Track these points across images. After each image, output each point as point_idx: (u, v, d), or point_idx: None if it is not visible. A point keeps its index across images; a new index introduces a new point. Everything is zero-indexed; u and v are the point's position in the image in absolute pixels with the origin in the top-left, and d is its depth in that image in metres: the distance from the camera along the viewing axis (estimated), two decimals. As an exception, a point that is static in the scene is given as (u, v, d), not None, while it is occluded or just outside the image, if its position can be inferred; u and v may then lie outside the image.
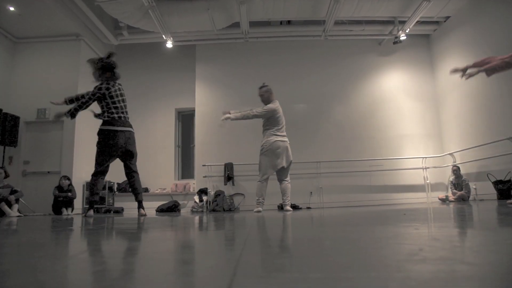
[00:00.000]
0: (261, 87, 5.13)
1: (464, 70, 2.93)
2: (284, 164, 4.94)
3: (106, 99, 4.22)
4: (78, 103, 4.23)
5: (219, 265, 0.77)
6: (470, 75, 2.90)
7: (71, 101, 4.46)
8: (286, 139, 5.04)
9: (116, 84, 4.36)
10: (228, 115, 4.95)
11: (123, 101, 4.35)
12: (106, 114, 4.21)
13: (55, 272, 0.73)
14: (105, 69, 4.35)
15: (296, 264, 0.75)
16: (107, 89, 4.22)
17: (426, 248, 0.86)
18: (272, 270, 0.67)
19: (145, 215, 4.26)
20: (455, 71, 2.97)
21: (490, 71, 2.84)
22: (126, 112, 4.37)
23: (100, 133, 4.21)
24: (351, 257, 0.81)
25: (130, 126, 4.37)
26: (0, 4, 6.47)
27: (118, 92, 4.31)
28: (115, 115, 4.21)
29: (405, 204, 6.04)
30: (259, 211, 4.88)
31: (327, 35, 7.92)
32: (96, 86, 4.27)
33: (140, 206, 4.38)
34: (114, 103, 4.23)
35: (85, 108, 4.26)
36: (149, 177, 8.07)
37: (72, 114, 4.23)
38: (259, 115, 5.02)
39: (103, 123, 4.22)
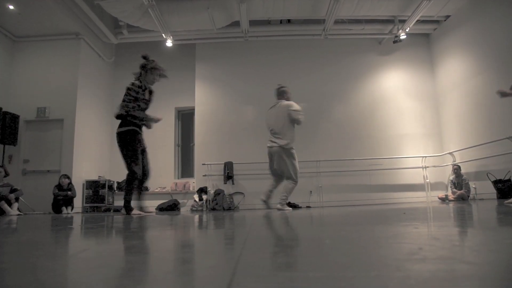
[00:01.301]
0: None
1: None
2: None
3: (138, 102, 4.24)
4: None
5: (219, 264, 0.77)
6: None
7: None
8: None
9: (147, 90, 4.42)
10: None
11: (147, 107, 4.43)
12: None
13: (55, 271, 0.73)
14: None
15: (296, 263, 0.75)
16: (137, 92, 4.25)
17: (426, 248, 0.87)
18: (272, 269, 0.67)
19: (140, 214, 4.21)
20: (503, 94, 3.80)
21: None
22: None
23: (127, 133, 4.16)
24: (350, 256, 0.81)
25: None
26: (0, 2, 6.46)
27: (147, 97, 4.40)
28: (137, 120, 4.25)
29: (404, 203, 6.04)
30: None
31: (327, 34, 7.91)
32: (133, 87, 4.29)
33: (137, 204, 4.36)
34: (139, 105, 4.27)
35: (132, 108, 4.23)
36: (149, 176, 8.07)
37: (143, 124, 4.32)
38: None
39: (129, 124, 4.17)
